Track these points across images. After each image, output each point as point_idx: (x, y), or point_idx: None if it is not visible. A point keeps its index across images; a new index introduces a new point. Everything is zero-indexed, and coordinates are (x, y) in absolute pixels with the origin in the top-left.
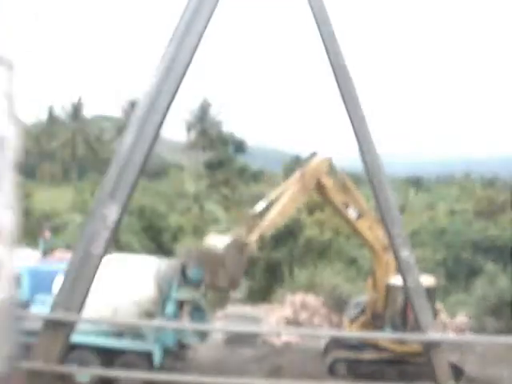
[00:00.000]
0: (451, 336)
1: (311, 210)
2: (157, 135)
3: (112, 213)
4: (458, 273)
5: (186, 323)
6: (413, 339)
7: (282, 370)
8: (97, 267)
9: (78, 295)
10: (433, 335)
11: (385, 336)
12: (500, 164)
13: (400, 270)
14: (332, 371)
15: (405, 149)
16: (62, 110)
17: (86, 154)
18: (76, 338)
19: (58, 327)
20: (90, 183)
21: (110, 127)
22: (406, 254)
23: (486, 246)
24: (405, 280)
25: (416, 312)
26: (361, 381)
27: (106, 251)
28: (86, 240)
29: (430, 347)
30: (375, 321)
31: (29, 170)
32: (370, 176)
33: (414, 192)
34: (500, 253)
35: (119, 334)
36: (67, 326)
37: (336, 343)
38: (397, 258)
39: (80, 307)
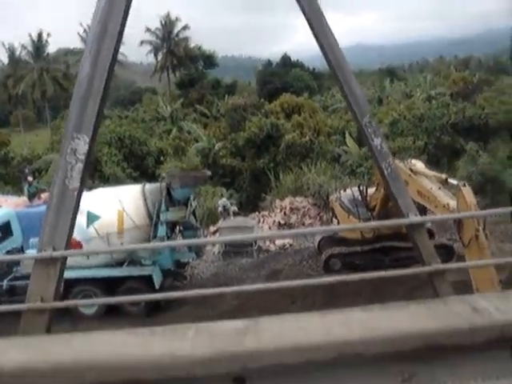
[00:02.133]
0: (432, 216)
1: (288, 114)
2: (114, 60)
3: (81, 145)
4: (440, 157)
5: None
6: (395, 223)
7: (279, 273)
8: (77, 201)
9: (63, 231)
10: (414, 218)
11: (367, 225)
12: (474, 43)
13: (374, 158)
14: (327, 267)
15: (377, 37)
16: (23, 50)
17: (56, 93)
18: (77, 272)
19: (48, 265)
20: (65, 121)
21: (75, 61)
22: (378, 141)
23: (465, 126)
24: (380, 167)
25: (395, 196)
26: (356, 272)
27: (83, 184)
28: (60, 176)
29: (412, 230)
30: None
31: (1, 117)
32: (333, 69)
33: (389, 83)
34: (479, 132)
35: (118, 264)
36: (57, 263)
37: (329, 240)
38: (369, 146)
39: (66, 242)
